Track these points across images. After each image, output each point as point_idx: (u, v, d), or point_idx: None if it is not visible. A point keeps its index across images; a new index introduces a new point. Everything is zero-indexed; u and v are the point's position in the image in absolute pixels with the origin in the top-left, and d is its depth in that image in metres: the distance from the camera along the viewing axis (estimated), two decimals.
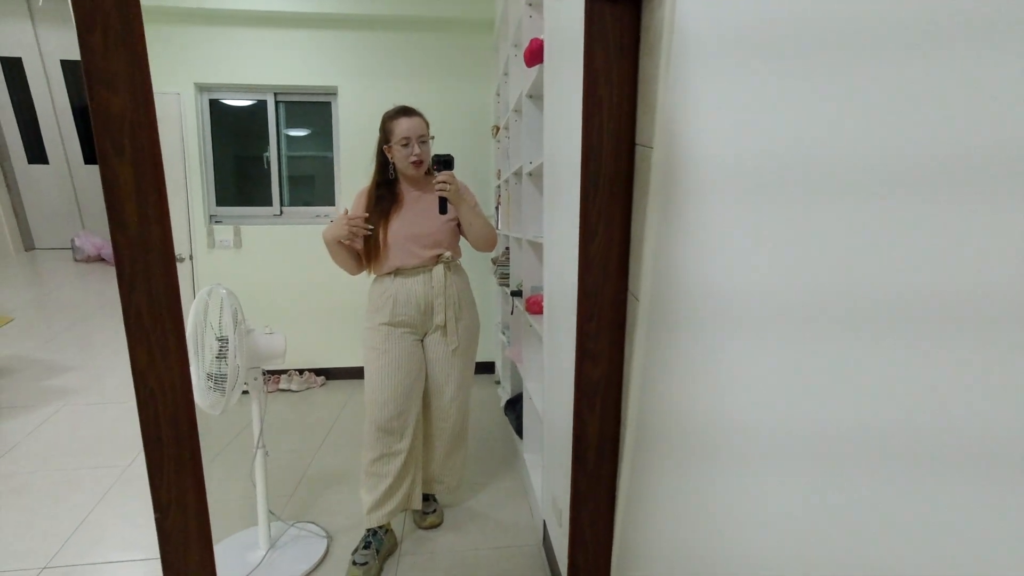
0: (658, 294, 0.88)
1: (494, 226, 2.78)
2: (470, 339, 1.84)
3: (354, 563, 1.68)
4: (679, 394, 0.81)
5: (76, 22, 0.73)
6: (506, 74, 2.64)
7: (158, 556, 0.92)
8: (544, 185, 1.67)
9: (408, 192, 1.76)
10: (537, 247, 2.21)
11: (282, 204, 3.62)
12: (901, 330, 0.42)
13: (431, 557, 1.79)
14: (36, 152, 6.07)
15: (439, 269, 1.74)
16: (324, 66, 3.35)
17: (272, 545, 1.79)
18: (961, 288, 0.37)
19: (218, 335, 1.58)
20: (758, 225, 0.60)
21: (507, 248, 2.76)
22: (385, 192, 1.75)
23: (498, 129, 3.13)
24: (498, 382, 3.52)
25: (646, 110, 0.91)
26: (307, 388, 3.54)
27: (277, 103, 3.52)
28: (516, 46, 2.32)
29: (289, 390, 3.48)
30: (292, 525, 1.93)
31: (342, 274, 1.82)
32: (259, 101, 3.51)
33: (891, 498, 0.43)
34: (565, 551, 1.21)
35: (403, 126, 1.67)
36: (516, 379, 2.94)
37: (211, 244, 3.45)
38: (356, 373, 3.60)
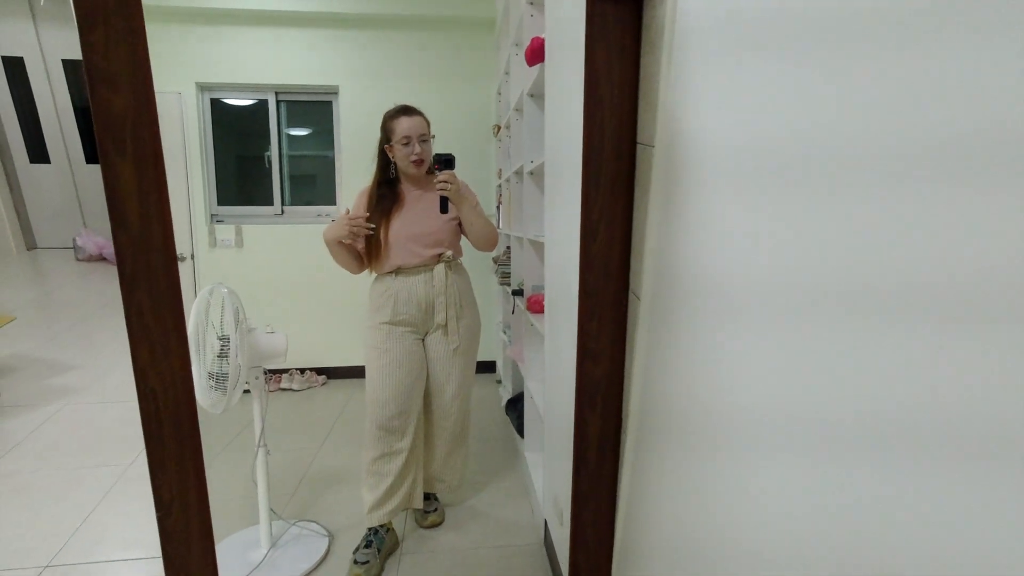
0: (659, 293, 0.88)
1: (495, 225, 2.78)
2: (471, 338, 1.84)
3: (355, 562, 1.68)
4: (680, 393, 0.81)
5: (77, 21, 0.73)
6: (507, 73, 2.63)
7: (160, 555, 0.93)
8: (545, 184, 1.67)
9: (409, 191, 1.76)
10: (538, 246, 2.21)
11: (283, 203, 3.63)
12: (901, 323, 0.42)
13: (432, 556, 1.79)
14: (38, 151, 6.08)
15: (440, 268, 1.74)
16: (325, 65, 3.35)
17: (273, 544, 1.79)
18: (962, 279, 0.37)
19: (219, 334, 1.58)
20: (759, 223, 0.60)
21: (508, 247, 2.76)
22: (386, 191, 1.75)
23: (499, 128, 3.13)
24: (499, 381, 3.53)
25: (647, 109, 0.91)
26: (308, 387, 3.54)
27: (278, 102, 3.52)
28: (517, 45, 2.32)
29: (290, 389, 3.49)
30: (293, 524, 1.93)
31: (343, 273, 1.82)
32: (260, 100, 3.51)
33: (892, 493, 0.43)
34: (566, 550, 1.21)
35: (404, 125, 1.67)
36: (517, 378, 2.94)
37: (212, 243, 3.45)
38: (357, 372, 3.61)
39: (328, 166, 3.64)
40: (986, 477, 0.36)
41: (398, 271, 1.73)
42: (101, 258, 5.99)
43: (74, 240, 6.04)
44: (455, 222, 1.77)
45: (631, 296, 1.00)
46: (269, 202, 3.61)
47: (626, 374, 1.04)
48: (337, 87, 3.40)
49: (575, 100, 1.13)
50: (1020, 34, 0.33)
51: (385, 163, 1.75)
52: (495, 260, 3.07)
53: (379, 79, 3.39)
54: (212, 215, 3.53)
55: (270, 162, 3.58)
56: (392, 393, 1.71)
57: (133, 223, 0.80)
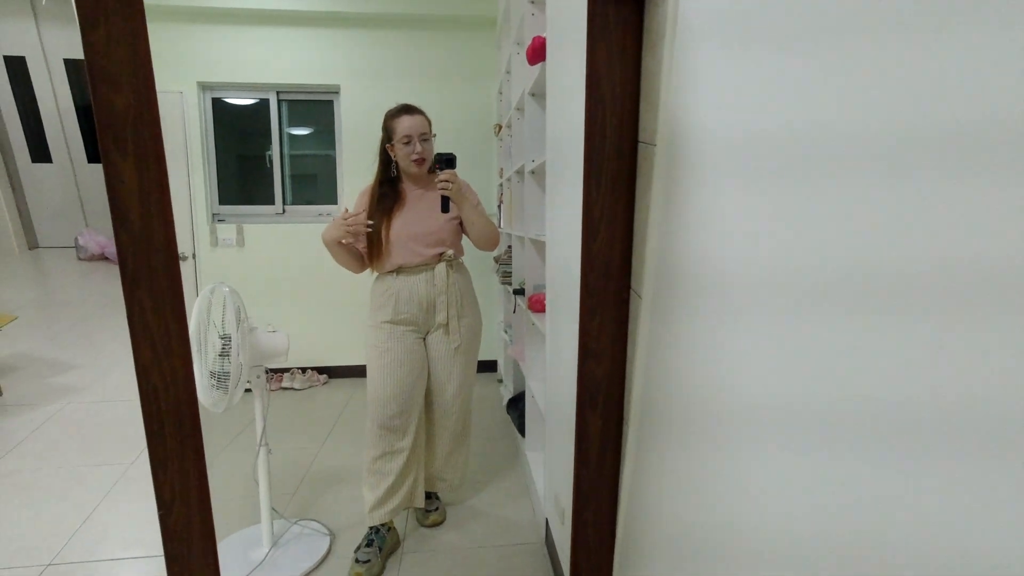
0: (661, 292, 0.88)
1: (496, 225, 2.78)
2: (472, 337, 1.84)
3: (357, 561, 1.68)
4: (682, 391, 0.81)
5: (79, 20, 0.73)
6: (508, 72, 2.63)
7: (161, 553, 0.93)
8: (546, 183, 1.66)
9: (411, 191, 1.76)
10: (539, 245, 2.20)
11: (285, 203, 3.63)
12: (901, 320, 0.42)
13: (433, 555, 1.80)
14: (40, 151, 6.09)
15: (441, 267, 1.74)
16: (326, 65, 3.35)
17: (275, 543, 1.80)
18: (963, 275, 0.37)
19: (221, 333, 1.58)
20: (760, 222, 0.60)
21: (509, 246, 2.76)
22: (388, 190, 1.75)
23: (500, 127, 3.13)
24: (500, 380, 3.53)
25: (648, 107, 0.91)
26: (310, 386, 3.55)
27: (280, 102, 3.52)
28: (518, 44, 2.32)
29: (292, 388, 3.49)
30: (295, 523, 1.93)
31: (344, 273, 1.82)
32: (262, 100, 3.51)
33: (892, 491, 0.43)
34: (567, 549, 1.21)
35: (405, 124, 1.67)
36: (518, 377, 2.94)
37: (214, 242, 3.45)
38: (359, 371, 3.61)
39: (329, 165, 3.64)
40: (987, 475, 0.36)
41: (399, 270, 1.74)
42: (103, 257, 6.00)
43: (76, 239, 6.05)
44: (456, 221, 1.77)
45: (632, 295, 1.00)
46: (270, 201, 3.61)
47: (627, 373, 1.04)
48: (338, 86, 3.40)
49: (576, 99, 1.13)
50: (1020, 31, 0.33)
51: (386, 162, 1.75)
52: (496, 259, 3.07)
53: (380, 78, 3.39)
54: (214, 214, 3.53)
55: (271, 161, 3.58)
56: (393, 392, 1.71)
57: (135, 222, 0.80)
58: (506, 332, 3.05)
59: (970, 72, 0.37)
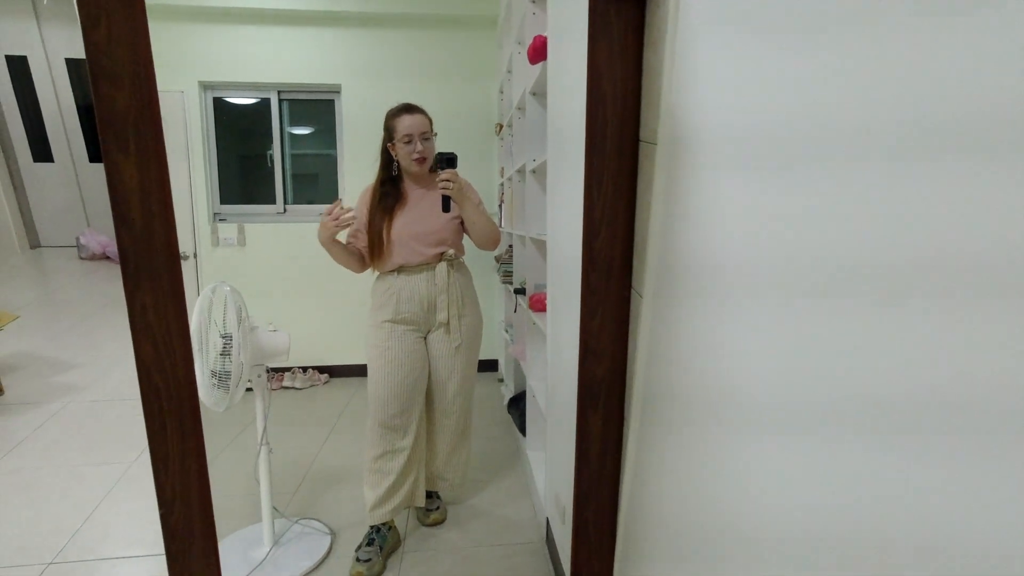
0: (662, 291, 0.88)
1: (497, 224, 2.78)
2: (473, 336, 1.84)
3: (358, 560, 1.68)
4: (683, 391, 0.81)
5: (80, 19, 0.73)
6: (509, 71, 2.63)
7: (162, 552, 0.93)
8: (547, 182, 1.66)
9: (412, 190, 1.76)
10: (540, 244, 2.20)
11: (286, 202, 3.63)
12: (902, 313, 0.42)
13: (434, 554, 1.80)
14: (41, 150, 6.10)
15: (442, 267, 1.74)
16: (328, 64, 3.36)
17: (276, 542, 1.80)
18: (965, 264, 0.37)
19: (222, 332, 1.58)
20: (762, 221, 0.60)
21: (510, 246, 2.76)
22: (389, 189, 1.75)
23: (501, 127, 3.13)
24: (501, 380, 3.53)
25: (650, 106, 0.91)
26: (311, 386, 3.55)
27: (281, 101, 3.52)
28: (519, 43, 2.32)
29: (293, 387, 3.50)
30: (296, 522, 1.93)
31: (345, 272, 1.82)
32: (263, 99, 3.51)
33: (893, 485, 0.43)
34: (568, 549, 1.21)
35: (405, 123, 1.67)
36: (519, 377, 2.94)
37: (215, 242, 3.46)
38: (360, 371, 3.61)
39: (330, 165, 3.64)
40: (987, 471, 0.36)
41: (400, 269, 1.74)
42: (104, 257, 6.01)
43: (77, 239, 6.06)
44: (457, 221, 1.77)
45: (633, 294, 1.00)
46: (272, 201, 3.61)
47: (628, 372, 1.04)
48: (339, 86, 3.40)
49: (577, 98, 1.13)
50: (1020, 17, 0.33)
51: (388, 161, 1.75)
52: (497, 259, 3.07)
53: (381, 78, 3.39)
54: (215, 214, 3.53)
55: (272, 161, 3.58)
56: (394, 391, 1.71)
57: (136, 221, 0.80)
58: (507, 331, 3.05)
59: (970, 68, 0.36)
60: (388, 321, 1.73)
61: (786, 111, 0.55)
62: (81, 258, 6.00)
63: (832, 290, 0.49)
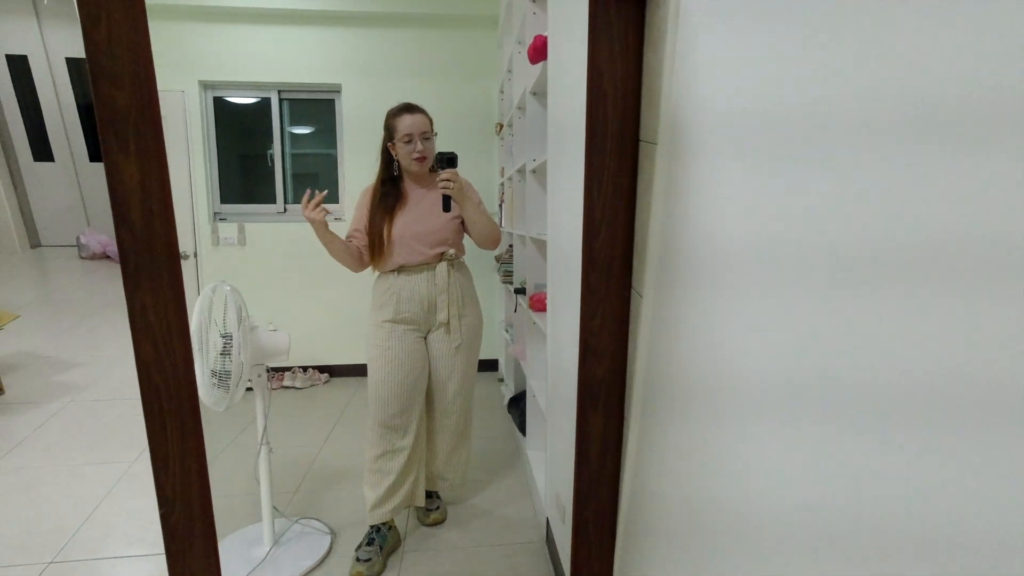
0: (662, 291, 0.88)
1: (497, 223, 2.78)
2: (473, 336, 1.84)
3: (358, 559, 1.68)
4: (683, 391, 0.81)
5: (81, 19, 0.73)
6: (510, 71, 2.63)
7: (163, 551, 0.93)
8: (548, 182, 1.66)
9: (412, 189, 1.76)
10: (541, 244, 2.20)
11: (286, 201, 3.63)
12: (903, 299, 0.42)
13: (434, 554, 1.80)
14: (42, 150, 6.10)
15: (443, 266, 1.74)
16: (328, 64, 3.36)
17: (276, 541, 1.80)
18: (966, 246, 0.37)
19: (222, 332, 1.58)
20: (763, 221, 0.60)
21: (511, 245, 2.76)
22: (390, 189, 1.75)
23: (502, 126, 3.13)
24: (501, 379, 3.53)
25: (650, 106, 0.91)
26: (311, 385, 3.55)
27: (281, 101, 3.52)
28: (520, 43, 2.32)
29: (293, 387, 3.50)
30: (296, 521, 1.93)
31: (346, 272, 1.83)
32: (263, 99, 3.51)
33: (895, 471, 0.43)
34: (568, 548, 1.21)
35: (406, 123, 1.67)
36: (519, 376, 2.94)
37: (215, 241, 3.46)
38: (360, 370, 3.61)
39: (331, 164, 3.64)
40: (988, 457, 0.36)
41: (401, 269, 1.74)
42: (105, 256, 6.01)
43: (78, 238, 6.06)
44: (458, 220, 1.77)
45: (633, 294, 1.00)
46: (272, 200, 3.61)
47: (628, 372, 1.04)
48: (340, 85, 3.40)
49: (578, 98, 1.13)
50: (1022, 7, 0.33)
51: (388, 161, 1.75)
52: (497, 258, 3.08)
53: (382, 77, 3.39)
54: (215, 213, 3.54)
55: (273, 160, 3.58)
56: (394, 391, 1.71)
57: (136, 221, 0.80)
58: (507, 331, 3.05)
59: (970, 64, 0.36)
60: (388, 321, 1.73)
61: (787, 110, 0.55)
62: (81, 257, 6.01)
63: (832, 290, 0.49)
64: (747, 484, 0.64)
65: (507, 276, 2.74)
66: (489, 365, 3.71)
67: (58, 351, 3.71)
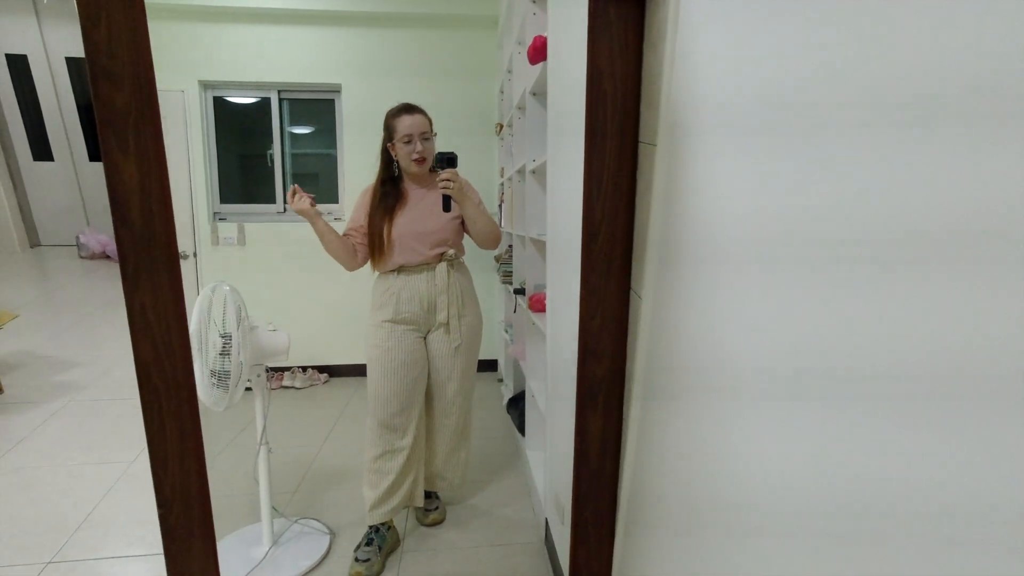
0: (662, 291, 0.88)
1: (497, 224, 2.78)
2: (473, 336, 1.84)
3: (357, 559, 1.68)
4: (683, 392, 0.81)
5: (80, 18, 0.73)
6: (510, 71, 2.63)
7: (162, 551, 0.93)
8: (547, 183, 1.66)
9: (412, 190, 1.76)
10: (540, 245, 2.20)
11: (286, 201, 3.63)
12: (903, 298, 0.42)
13: (433, 554, 1.80)
14: (41, 149, 6.10)
15: (442, 267, 1.74)
16: (328, 63, 3.35)
17: (275, 541, 1.80)
18: (969, 229, 0.37)
19: (222, 332, 1.58)
20: (764, 220, 0.60)
21: (510, 246, 2.76)
22: (390, 189, 1.75)
23: (501, 127, 3.13)
24: (501, 380, 3.53)
25: (649, 107, 0.91)
26: (310, 385, 3.55)
27: (281, 100, 3.52)
28: (520, 43, 2.32)
29: (292, 387, 3.49)
30: (295, 521, 1.93)
31: (345, 272, 1.82)
32: (263, 99, 3.51)
33: (896, 463, 0.43)
34: (567, 549, 1.21)
35: (405, 123, 1.67)
36: (519, 377, 2.94)
37: (215, 241, 3.46)
38: (359, 370, 3.61)
39: (331, 164, 3.64)
40: (990, 446, 0.36)
41: (400, 269, 1.74)
42: (104, 256, 6.01)
43: (77, 238, 6.06)
44: (458, 220, 1.77)
45: (633, 295, 1.00)
46: (272, 200, 3.61)
47: (627, 372, 1.04)
48: (340, 85, 3.40)
49: (578, 98, 1.13)
50: None
51: (388, 161, 1.75)
52: (497, 259, 3.08)
53: (382, 77, 3.38)
54: (215, 213, 3.53)
55: (272, 160, 3.58)
56: (394, 391, 1.71)
57: (136, 220, 0.80)
58: (507, 331, 3.05)
59: (971, 59, 0.36)
60: (388, 321, 1.73)
61: (787, 110, 0.55)
62: (81, 257, 6.01)
63: (832, 290, 0.49)
64: (747, 483, 0.64)
65: (507, 276, 2.74)
66: (489, 365, 3.71)
67: (57, 351, 3.71)
